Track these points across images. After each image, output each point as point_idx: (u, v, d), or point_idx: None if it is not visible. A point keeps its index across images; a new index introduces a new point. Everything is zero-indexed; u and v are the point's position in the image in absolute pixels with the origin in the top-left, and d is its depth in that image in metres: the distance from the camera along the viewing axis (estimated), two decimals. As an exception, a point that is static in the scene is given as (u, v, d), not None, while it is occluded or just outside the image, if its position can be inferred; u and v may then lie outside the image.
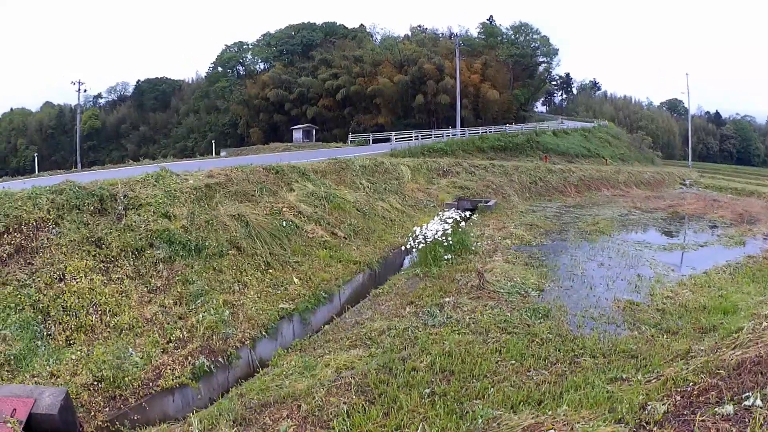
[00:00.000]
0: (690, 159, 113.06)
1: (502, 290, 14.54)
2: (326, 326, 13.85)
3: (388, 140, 58.33)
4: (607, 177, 52.98)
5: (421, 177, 32.74)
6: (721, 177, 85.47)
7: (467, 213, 28.20)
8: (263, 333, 13.32)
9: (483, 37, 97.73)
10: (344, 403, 8.74)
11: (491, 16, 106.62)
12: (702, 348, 9.53)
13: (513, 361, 10.10)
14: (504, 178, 38.75)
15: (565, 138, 70.68)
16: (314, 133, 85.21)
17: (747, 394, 6.39)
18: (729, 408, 6.19)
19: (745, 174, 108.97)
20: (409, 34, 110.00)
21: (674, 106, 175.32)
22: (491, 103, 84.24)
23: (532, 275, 16.24)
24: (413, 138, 58.04)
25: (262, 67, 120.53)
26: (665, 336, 11.36)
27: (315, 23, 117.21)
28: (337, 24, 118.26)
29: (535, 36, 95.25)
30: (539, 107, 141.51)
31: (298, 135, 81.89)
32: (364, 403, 8.74)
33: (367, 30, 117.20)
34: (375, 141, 61.05)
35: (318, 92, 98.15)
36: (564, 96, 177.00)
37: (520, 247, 20.89)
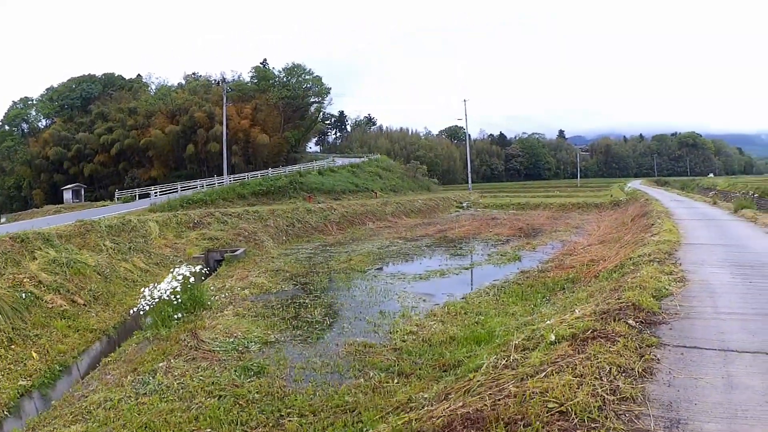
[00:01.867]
0: (470, 181, 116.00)
1: (218, 348, 13.37)
2: (54, 402, 12.51)
3: (153, 194, 54.92)
4: (373, 210, 52.79)
5: (170, 231, 30.85)
6: (505, 195, 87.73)
7: (216, 264, 27.41)
8: (6, 413, 12.05)
9: (256, 81, 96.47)
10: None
11: (265, 60, 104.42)
12: (426, 396, 8.87)
13: (209, 430, 9.16)
14: (259, 223, 37.64)
15: (331, 176, 70.25)
16: (83, 192, 78.70)
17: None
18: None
19: (533, 188, 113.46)
20: (183, 82, 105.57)
21: (455, 133, 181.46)
22: (262, 148, 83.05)
23: (258, 327, 15.09)
24: (176, 190, 55.20)
25: (44, 123, 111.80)
26: (396, 380, 10.66)
27: (95, 75, 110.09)
28: (116, 75, 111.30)
29: (307, 77, 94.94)
30: (313, 147, 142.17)
31: (68, 195, 75.57)
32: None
33: (144, 80, 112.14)
34: (141, 196, 57.90)
35: (94, 148, 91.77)
36: (338, 134, 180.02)
37: (259, 296, 19.67)
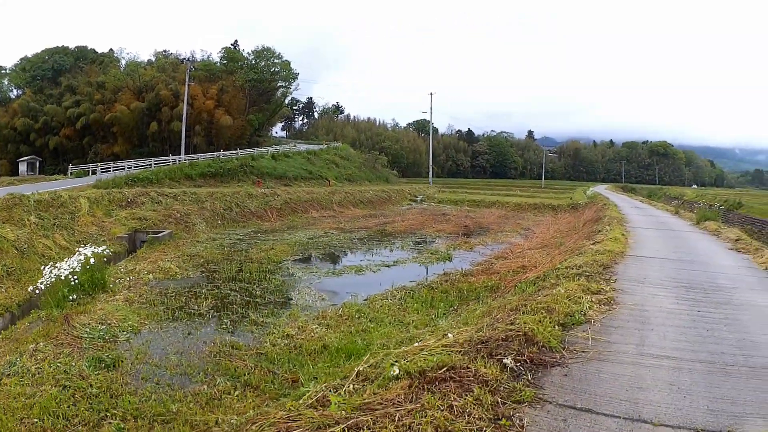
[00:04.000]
0: (431, 175, 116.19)
1: (86, 335, 12.61)
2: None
3: (109, 170, 53.81)
4: (319, 198, 51.97)
5: (100, 209, 29.82)
6: (464, 191, 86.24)
7: (141, 245, 26.61)
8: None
9: (225, 62, 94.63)
10: None
11: (236, 41, 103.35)
12: (233, 422, 8.01)
13: (36, 420, 8.47)
14: (194, 206, 36.81)
15: (285, 161, 69.21)
16: (38, 165, 77.96)
17: None
18: None
19: (496, 186, 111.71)
20: (153, 59, 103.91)
21: (423, 126, 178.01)
22: (225, 129, 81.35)
23: (137, 316, 14.37)
24: (122, 168, 54.25)
25: (15, 93, 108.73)
26: (237, 392, 9.86)
27: (68, 47, 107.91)
28: (89, 48, 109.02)
29: (276, 60, 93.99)
30: (279, 132, 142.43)
31: (23, 168, 74.63)
32: None
33: (115, 55, 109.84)
34: (95, 172, 55.09)
35: (61, 121, 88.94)
36: (305, 120, 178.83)
37: (161, 282, 18.90)
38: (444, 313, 15.18)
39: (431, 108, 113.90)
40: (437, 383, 6.41)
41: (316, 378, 9.77)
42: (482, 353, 7.20)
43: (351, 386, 6.95)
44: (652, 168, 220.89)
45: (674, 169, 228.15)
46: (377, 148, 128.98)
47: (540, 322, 8.64)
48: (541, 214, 55.50)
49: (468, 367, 6.72)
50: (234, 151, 65.66)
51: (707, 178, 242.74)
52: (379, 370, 7.43)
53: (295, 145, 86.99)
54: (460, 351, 7.38)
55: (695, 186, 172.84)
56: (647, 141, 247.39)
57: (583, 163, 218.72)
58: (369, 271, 22.69)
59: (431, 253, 27.06)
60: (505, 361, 6.94)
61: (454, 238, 33.97)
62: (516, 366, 6.88)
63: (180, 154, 62.89)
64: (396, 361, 7.29)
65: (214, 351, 12.05)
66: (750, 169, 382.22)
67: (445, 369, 6.74)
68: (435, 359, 7.06)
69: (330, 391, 6.95)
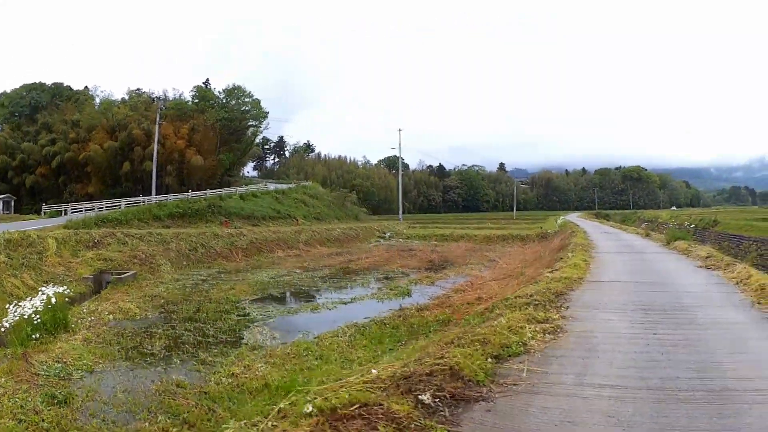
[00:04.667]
0: (401, 211, 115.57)
1: (43, 372, 13.16)
2: None
3: (80, 211, 53.31)
4: (286, 238, 51.72)
5: (67, 250, 30.16)
6: (434, 226, 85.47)
7: (107, 286, 26.90)
8: None
9: (196, 101, 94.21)
10: None
11: (207, 80, 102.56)
12: None
13: None
14: (159, 246, 36.71)
15: (253, 201, 68.50)
16: (13, 204, 77.65)
17: None
18: None
19: (468, 220, 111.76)
20: (126, 97, 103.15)
21: (393, 163, 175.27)
22: (196, 169, 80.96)
23: (92, 355, 14.90)
24: (95, 209, 53.70)
25: None
26: (174, 429, 10.18)
27: (45, 83, 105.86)
28: (64, 85, 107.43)
29: (246, 99, 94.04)
30: (251, 172, 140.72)
31: (-2, 206, 74.75)
32: None
33: (90, 92, 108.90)
34: (67, 212, 55.04)
35: (37, 159, 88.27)
36: (276, 159, 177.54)
37: (120, 322, 19.37)
38: (390, 349, 14.98)
39: (400, 144, 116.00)
40: (345, 421, 5.94)
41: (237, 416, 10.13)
42: (401, 389, 6.58)
43: (269, 423, 6.50)
44: (626, 193, 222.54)
45: (648, 193, 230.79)
46: (348, 186, 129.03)
47: (470, 355, 8.00)
48: (509, 246, 55.44)
49: (381, 404, 6.16)
50: (203, 192, 65.46)
51: (683, 199, 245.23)
52: (297, 407, 6.79)
53: (265, 185, 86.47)
54: (381, 387, 6.69)
55: (674, 208, 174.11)
56: (620, 167, 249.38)
57: (556, 193, 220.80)
58: (325, 308, 22.86)
59: (391, 289, 27.19)
60: (421, 397, 6.37)
61: (417, 273, 34.10)
62: (434, 402, 6.26)
63: (151, 195, 62.76)
64: (313, 398, 6.66)
65: (161, 389, 12.26)
66: (726, 186, 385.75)
67: (356, 406, 6.17)
68: (348, 396, 6.43)
69: (249, 428, 6.68)
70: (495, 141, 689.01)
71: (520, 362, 8.06)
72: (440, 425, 5.74)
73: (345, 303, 24.30)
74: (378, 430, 5.60)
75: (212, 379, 13.11)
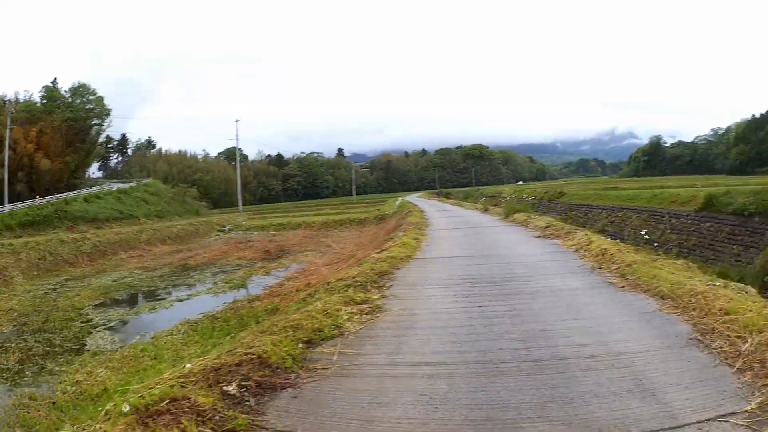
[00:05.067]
0: (240, 203, 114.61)
1: None
2: None
3: None
4: (128, 239, 50.31)
5: None
6: (274, 216, 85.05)
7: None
8: None
9: (45, 101, 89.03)
10: None
11: (55, 79, 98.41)
12: None
13: None
14: (11, 258, 34.99)
15: (96, 203, 64.70)
16: None
17: None
18: None
19: (308, 207, 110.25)
20: None
21: (233, 155, 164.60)
22: (44, 173, 76.05)
23: None
24: None
25: None
26: None
27: None
28: None
29: (91, 97, 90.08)
30: (96, 172, 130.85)
31: None
32: None
33: None
34: None
35: None
36: (120, 158, 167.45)
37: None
38: (220, 343, 13.49)
39: (237, 135, 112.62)
40: (155, 417, 5.76)
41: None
42: (210, 381, 6.32)
43: (97, 426, 6.04)
44: (468, 171, 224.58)
45: (492, 170, 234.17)
46: (189, 181, 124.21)
47: (280, 342, 7.50)
48: (347, 230, 56.24)
49: (188, 398, 5.96)
50: (50, 197, 61.86)
51: (527, 173, 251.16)
52: (118, 407, 6.19)
53: (108, 185, 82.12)
54: (193, 381, 6.37)
55: (521, 182, 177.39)
56: (461, 146, 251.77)
57: (396, 175, 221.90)
58: (162, 308, 23.42)
59: (226, 283, 27.89)
60: (226, 387, 6.18)
61: (256, 263, 34.95)
62: (239, 392, 6.10)
63: (2, 204, 59.42)
64: (131, 398, 6.25)
65: (16, 403, 12.28)
66: (574, 159, 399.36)
67: (167, 401, 5.97)
68: (159, 392, 6.15)
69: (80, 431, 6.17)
70: (334, 127, 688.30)
71: (333, 346, 7.64)
72: (244, 415, 5.61)
73: (182, 300, 24.90)
74: (182, 423, 5.45)
75: (59, 388, 13.22)
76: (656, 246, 27.23)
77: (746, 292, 9.30)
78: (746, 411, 5.06)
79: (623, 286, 10.89)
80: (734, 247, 29.86)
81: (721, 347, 6.75)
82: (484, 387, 5.95)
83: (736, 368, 6.11)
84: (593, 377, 6.07)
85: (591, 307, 9.37)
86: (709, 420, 4.94)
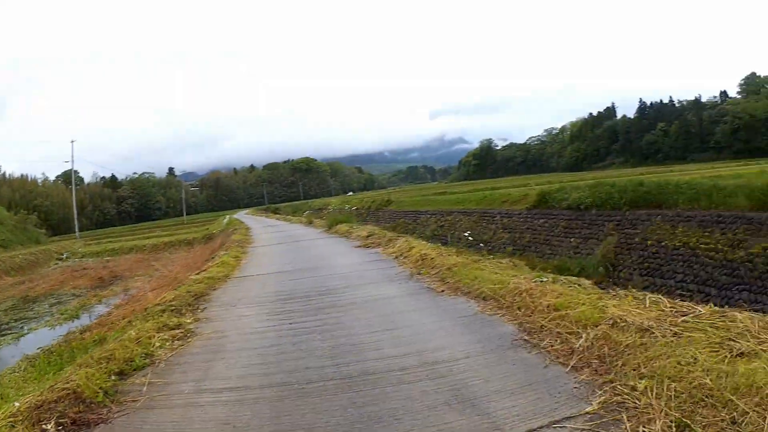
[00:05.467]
0: (77, 229, 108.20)
1: None
2: None
3: None
4: None
5: None
6: (108, 241, 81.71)
7: None
8: None
9: None
10: None
11: None
12: None
13: None
14: None
15: None
16: None
17: None
18: None
19: (141, 230, 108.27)
20: None
21: (70, 178, 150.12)
22: None
23: None
24: None
25: None
26: None
27: None
28: None
29: None
30: None
31: None
32: None
33: None
34: None
35: None
36: None
37: None
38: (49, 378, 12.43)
39: (72, 157, 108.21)
40: None
41: None
42: (33, 420, 6.02)
43: None
44: (297, 185, 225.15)
45: (320, 182, 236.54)
46: (30, 207, 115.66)
47: (93, 375, 7.16)
48: (176, 251, 54.74)
49: None
50: None
51: (356, 183, 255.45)
52: None
53: None
54: (19, 420, 6.02)
55: (351, 193, 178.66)
56: (289, 160, 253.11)
57: (225, 192, 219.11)
58: (6, 343, 22.46)
59: (62, 314, 26.81)
60: (45, 426, 5.85)
61: (87, 292, 33.77)
62: (57, 431, 5.77)
63: None
64: None
65: None
66: (403, 167, 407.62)
67: None
68: None
69: None
70: (165, 145, 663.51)
71: (144, 375, 7.33)
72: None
73: (23, 335, 23.95)
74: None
75: None
76: (486, 247, 27.28)
77: (579, 285, 9.14)
78: (587, 413, 4.81)
79: (442, 291, 10.71)
80: (572, 240, 31.16)
81: (552, 346, 6.53)
82: (289, 411, 5.72)
83: (570, 366, 5.87)
84: (405, 391, 5.78)
85: (406, 315, 9.17)
86: (542, 427, 4.70)
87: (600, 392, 5.08)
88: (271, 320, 9.99)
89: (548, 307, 7.63)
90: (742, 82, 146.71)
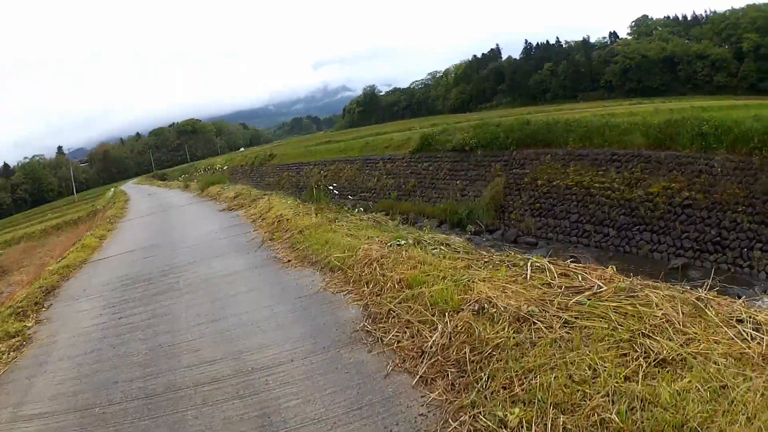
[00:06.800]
0: None
1: None
2: None
3: None
4: None
5: None
6: (4, 232, 76.24)
7: None
8: None
9: None
10: None
11: None
12: None
13: None
14: None
15: None
16: None
17: None
18: None
19: (37, 215, 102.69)
20: None
21: None
22: None
23: None
24: None
25: None
26: None
27: None
28: None
29: None
30: None
31: None
32: None
33: None
34: None
35: None
36: None
37: None
38: None
39: None
40: None
41: None
42: None
43: None
44: (183, 148, 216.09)
45: (206, 143, 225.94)
46: None
47: None
48: (65, 232, 47.90)
49: None
50: None
51: (242, 140, 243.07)
52: None
53: None
54: None
55: (242, 149, 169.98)
56: (174, 123, 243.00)
57: (115, 164, 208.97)
58: None
59: None
60: None
61: None
62: None
63: None
64: None
65: None
66: (288, 120, 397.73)
67: None
68: None
69: None
70: (54, 125, 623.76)
71: None
72: None
73: None
74: None
75: None
76: (364, 197, 26.79)
77: (447, 246, 7.62)
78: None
79: (289, 261, 9.53)
80: (458, 182, 30.62)
81: (398, 341, 5.18)
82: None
83: (418, 377, 4.49)
84: (206, 418, 4.65)
85: (240, 299, 7.98)
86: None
87: (455, 425, 3.70)
88: (103, 315, 8.68)
89: (400, 282, 6.33)
90: (633, 24, 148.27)
